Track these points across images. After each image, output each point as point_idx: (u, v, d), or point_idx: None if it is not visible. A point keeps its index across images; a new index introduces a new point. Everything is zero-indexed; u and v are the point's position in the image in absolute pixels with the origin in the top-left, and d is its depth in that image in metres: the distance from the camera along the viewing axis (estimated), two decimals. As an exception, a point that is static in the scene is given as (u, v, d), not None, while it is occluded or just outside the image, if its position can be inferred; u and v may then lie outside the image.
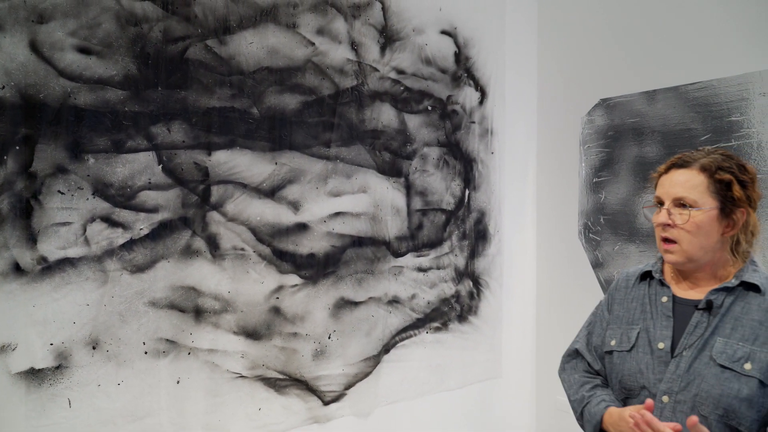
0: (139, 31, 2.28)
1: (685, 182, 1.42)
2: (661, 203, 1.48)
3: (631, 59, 3.33)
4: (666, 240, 1.45)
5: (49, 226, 2.10)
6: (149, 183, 2.32)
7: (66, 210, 2.14)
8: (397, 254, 3.08)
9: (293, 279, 2.72)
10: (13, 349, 2.05)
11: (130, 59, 2.26)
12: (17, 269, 2.05)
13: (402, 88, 3.08)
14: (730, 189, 1.42)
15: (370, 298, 2.96)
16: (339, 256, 2.86)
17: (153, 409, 2.34)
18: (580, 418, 1.55)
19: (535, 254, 3.87)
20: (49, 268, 2.11)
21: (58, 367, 2.14)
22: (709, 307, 1.42)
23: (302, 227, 2.74)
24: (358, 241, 2.92)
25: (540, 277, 3.88)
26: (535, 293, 3.86)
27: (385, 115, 3.01)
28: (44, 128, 2.09)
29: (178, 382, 2.41)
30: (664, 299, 1.49)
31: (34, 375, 2.09)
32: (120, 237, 2.26)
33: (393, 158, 3.05)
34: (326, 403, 2.84)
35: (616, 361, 1.50)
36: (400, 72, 3.07)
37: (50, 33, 2.09)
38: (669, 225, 1.42)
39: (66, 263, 2.15)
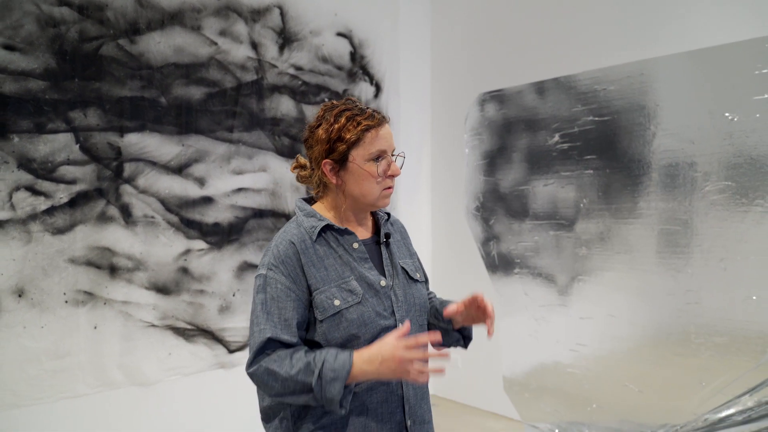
0: (58, 32, 2.71)
1: (391, 134, 1.52)
2: (385, 156, 1.48)
3: (512, 58, 3.88)
4: (389, 187, 1.51)
5: (-21, 193, 2.53)
6: (68, 159, 2.76)
7: (-6, 180, 2.57)
8: (297, 225, 3.55)
9: (200, 244, 3.18)
10: (-51, 294, 2.47)
11: (50, 55, 2.70)
12: (-49, 228, 2.47)
13: (300, 82, 3.57)
14: None
15: (271, 262, 3.44)
16: (242, 225, 3.33)
17: (73, 349, 2.78)
18: (318, 381, 1.33)
19: (431, 230, 4.41)
20: (-20, 228, 2.54)
21: (-13, 311, 2.56)
22: (387, 238, 1.57)
23: (208, 200, 3.21)
24: (259, 213, 3.40)
25: (435, 250, 4.41)
26: (431, 263, 4.38)
27: (284, 105, 3.49)
28: (-26, 112, 2.51)
29: (95, 328, 2.85)
30: (355, 245, 1.49)
31: (-33, 316, 2.52)
32: (42, 204, 2.69)
33: (292, 142, 3.54)
34: (231, 351, 3.31)
35: (351, 316, 1.41)
36: (298, 68, 3.56)
37: (-21, 33, 2.52)
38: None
39: (-6, 224, 2.57)
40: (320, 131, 1.48)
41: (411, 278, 1.55)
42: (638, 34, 3.26)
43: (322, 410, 1.41)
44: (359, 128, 1.44)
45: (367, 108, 1.50)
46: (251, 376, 1.41)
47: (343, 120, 1.46)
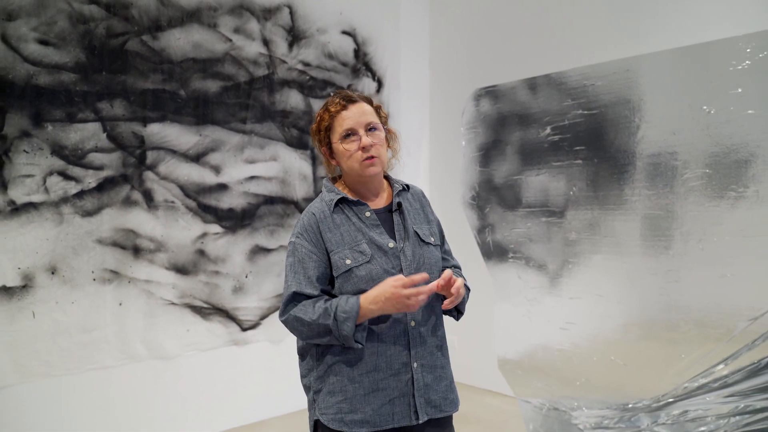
0: (87, 28, 2.92)
1: (366, 111, 1.70)
2: (354, 132, 1.68)
3: (506, 55, 4.12)
4: (369, 157, 1.69)
5: (17, 177, 2.74)
6: (96, 147, 2.96)
7: (30, 165, 2.77)
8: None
9: (215, 228, 3.39)
10: (-11, 270, 2.67)
11: (80, 50, 2.90)
12: (-8, 209, 2.67)
13: (308, 77, 3.79)
14: (380, 112, 1.77)
15: (281, 246, 3.66)
16: (254, 211, 3.55)
17: (100, 324, 2.99)
18: (335, 322, 1.58)
19: (429, 218, 4.64)
20: (17, 209, 2.74)
21: (24, 287, 2.76)
22: (399, 207, 1.77)
23: (223, 187, 3.42)
24: (270, 200, 3.61)
25: (433, 237, 4.64)
26: (428, 251, 4.61)
27: (292, 99, 3.71)
28: (13, 102, 2.72)
29: (120, 305, 3.06)
30: (367, 213, 1.72)
31: (5, 291, 2.72)
32: (73, 188, 2.90)
33: (300, 134, 3.76)
34: (244, 330, 3.53)
35: (360, 273, 1.64)
36: (306, 64, 3.78)
37: (17, 28, 2.72)
38: (373, 145, 1.68)
39: (30, 206, 2.78)
40: (313, 126, 1.78)
41: (423, 241, 1.76)
42: (624, 33, 3.51)
43: (338, 350, 1.66)
44: (328, 115, 1.71)
45: (339, 95, 1.73)
46: (284, 323, 1.69)
47: (321, 112, 1.74)
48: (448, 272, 1.64)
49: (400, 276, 1.58)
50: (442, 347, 1.78)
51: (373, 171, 1.72)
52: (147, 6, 3.11)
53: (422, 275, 1.60)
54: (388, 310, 1.58)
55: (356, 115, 1.70)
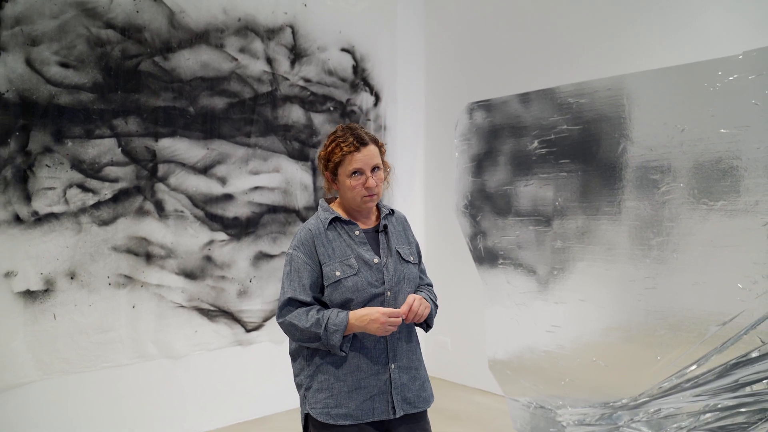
0: (104, 51, 3.15)
1: (374, 154, 1.94)
2: (362, 173, 1.92)
3: (497, 72, 4.34)
4: (370, 194, 1.94)
5: (39, 189, 2.96)
6: (112, 161, 3.19)
7: (51, 178, 3.00)
8: (305, 220, 4.00)
9: (221, 235, 3.62)
10: (15, 276, 2.90)
11: (98, 71, 3.13)
12: (17, 219, 2.91)
13: (308, 92, 4.01)
14: (382, 149, 2.00)
15: (283, 252, 3.88)
16: (258, 219, 3.78)
17: (115, 325, 3.21)
18: (325, 332, 1.81)
19: (424, 226, 4.86)
20: (40, 219, 2.97)
21: (46, 290, 2.99)
22: (385, 229, 2.01)
23: (228, 197, 3.65)
24: (273, 209, 3.84)
25: (428, 244, 4.86)
26: (424, 256, 4.84)
27: (294, 114, 3.94)
28: (36, 120, 2.94)
29: (133, 307, 3.28)
30: (357, 232, 1.96)
31: (29, 295, 2.94)
32: (90, 199, 3.12)
33: (301, 146, 3.98)
34: (248, 331, 3.75)
35: (348, 284, 1.87)
36: (307, 80, 4.00)
37: (40, 52, 2.95)
38: (376, 185, 1.92)
39: (51, 216, 3.01)
40: (321, 152, 2.01)
41: (403, 259, 2.00)
42: (606, 54, 3.73)
43: (326, 352, 1.89)
44: (340, 153, 1.93)
45: (352, 135, 1.94)
46: (280, 325, 1.92)
47: (333, 146, 1.96)
48: (410, 297, 1.89)
49: (390, 309, 1.85)
50: (416, 351, 2.03)
51: (371, 205, 1.99)
52: (159, 29, 3.33)
53: (401, 311, 1.85)
54: (369, 329, 1.83)
55: (366, 158, 1.94)
